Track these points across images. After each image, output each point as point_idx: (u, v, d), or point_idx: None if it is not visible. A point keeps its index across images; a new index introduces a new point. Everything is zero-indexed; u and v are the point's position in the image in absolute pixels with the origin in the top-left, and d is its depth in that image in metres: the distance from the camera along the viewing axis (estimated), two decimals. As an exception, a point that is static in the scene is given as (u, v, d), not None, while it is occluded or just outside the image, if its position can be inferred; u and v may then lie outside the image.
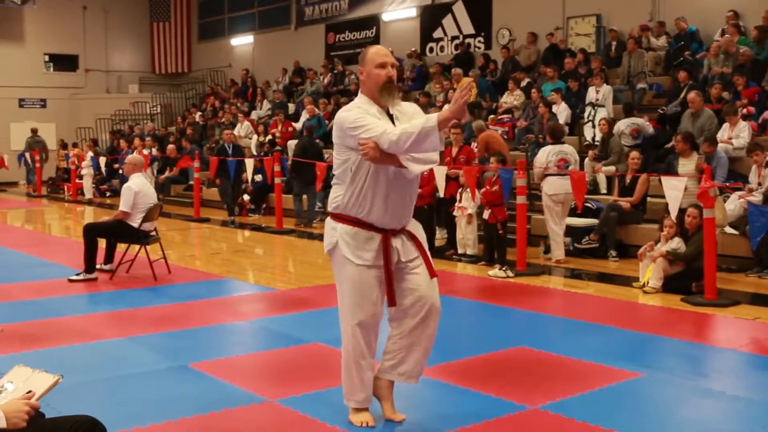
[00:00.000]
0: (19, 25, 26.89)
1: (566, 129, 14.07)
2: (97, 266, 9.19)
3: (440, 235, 11.71)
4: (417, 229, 4.46)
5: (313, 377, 5.33)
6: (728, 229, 9.52)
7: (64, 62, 28.11)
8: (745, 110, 11.57)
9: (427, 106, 15.31)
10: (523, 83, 15.79)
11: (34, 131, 24.80)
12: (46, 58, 27.81)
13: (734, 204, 9.64)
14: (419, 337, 4.37)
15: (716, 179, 9.50)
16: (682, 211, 8.45)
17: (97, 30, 28.26)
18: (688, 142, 10.14)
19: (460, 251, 10.61)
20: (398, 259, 4.32)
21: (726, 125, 11.23)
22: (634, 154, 10.78)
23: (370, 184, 4.20)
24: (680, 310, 7.57)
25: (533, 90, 14.86)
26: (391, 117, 4.28)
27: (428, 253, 4.45)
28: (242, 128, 19.62)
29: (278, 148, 16.63)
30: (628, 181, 10.62)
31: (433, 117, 3.95)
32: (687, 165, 9.97)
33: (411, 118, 4.25)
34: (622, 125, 12.53)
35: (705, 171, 8.15)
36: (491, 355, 5.96)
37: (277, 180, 14.09)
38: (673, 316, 7.42)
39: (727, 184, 9.65)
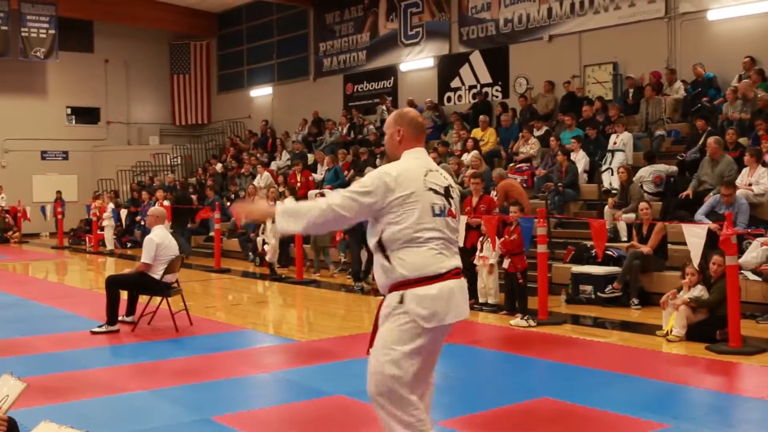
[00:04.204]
0: (42, 79, 27.32)
1: (585, 176, 14.13)
2: (119, 318, 9.22)
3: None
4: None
5: (337, 430, 5.30)
6: (751, 276, 9.45)
7: (85, 115, 28.47)
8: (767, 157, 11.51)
9: (446, 156, 15.38)
10: (541, 131, 15.84)
11: None
12: (68, 110, 28.17)
13: (757, 251, 9.56)
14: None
15: (738, 226, 9.44)
16: (703, 259, 8.41)
17: (118, 83, 28.64)
18: None
19: (481, 300, 10.57)
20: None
21: (745, 171, 11.18)
22: (643, 204, 10.78)
23: None
24: (705, 359, 7.49)
25: (551, 138, 14.90)
26: None
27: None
28: (262, 179, 19.74)
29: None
30: (645, 231, 10.59)
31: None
32: None
33: None
34: (645, 173, 12.51)
35: (726, 218, 8.12)
36: (515, 407, 5.91)
37: (297, 230, 14.07)
38: (698, 364, 7.34)
39: (749, 230, 9.57)
